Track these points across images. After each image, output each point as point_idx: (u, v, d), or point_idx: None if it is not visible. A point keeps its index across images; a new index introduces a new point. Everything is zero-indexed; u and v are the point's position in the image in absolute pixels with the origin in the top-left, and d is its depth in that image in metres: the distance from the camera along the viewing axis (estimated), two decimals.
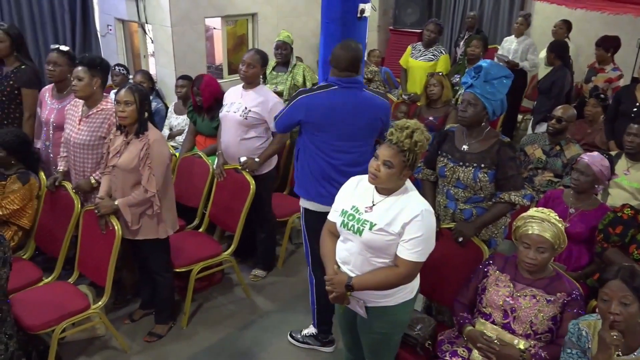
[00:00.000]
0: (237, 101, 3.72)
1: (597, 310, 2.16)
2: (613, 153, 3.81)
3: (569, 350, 2.21)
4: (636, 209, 2.99)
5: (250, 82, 3.71)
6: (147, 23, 5.59)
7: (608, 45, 5.55)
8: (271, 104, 3.67)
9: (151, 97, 4.81)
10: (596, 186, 3.22)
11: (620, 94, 4.49)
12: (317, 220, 2.90)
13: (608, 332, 2.02)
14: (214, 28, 6.58)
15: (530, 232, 2.41)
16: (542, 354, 2.32)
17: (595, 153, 3.25)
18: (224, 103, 3.83)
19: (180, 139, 4.67)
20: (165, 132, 4.80)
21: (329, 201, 2.54)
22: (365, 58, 5.26)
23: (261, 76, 3.76)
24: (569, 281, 2.45)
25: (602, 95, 4.75)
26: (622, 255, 2.88)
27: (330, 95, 2.92)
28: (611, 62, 5.57)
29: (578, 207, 3.18)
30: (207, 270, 3.62)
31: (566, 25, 6.22)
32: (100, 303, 3.11)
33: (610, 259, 2.91)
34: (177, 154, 4.31)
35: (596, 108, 4.69)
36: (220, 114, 3.83)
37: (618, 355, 2.06)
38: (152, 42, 5.74)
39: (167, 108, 5.00)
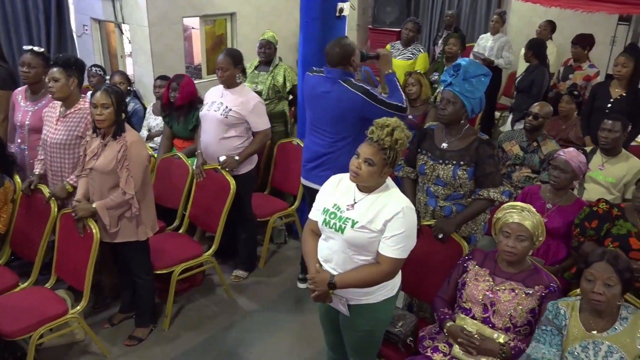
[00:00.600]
0: (218, 100, 3.70)
1: (578, 291, 2.24)
2: (588, 148, 3.88)
3: (543, 327, 2.26)
4: (611, 203, 3.04)
5: (230, 84, 3.69)
6: (124, 23, 5.52)
7: (585, 43, 5.65)
8: (252, 104, 3.67)
9: (129, 98, 4.78)
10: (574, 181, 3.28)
11: (595, 90, 4.57)
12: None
13: None
14: (193, 28, 6.52)
15: (510, 220, 2.45)
16: (522, 347, 2.35)
17: (572, 149, 3.30)
18: (204, 102, 3.82)
19: (158, 139, 4.63)
20: (144, 133, 4.75)
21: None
22: None
23: (240, 74, 3.71)
24: (547, 275, 2.49)
25: (575, 92, 4.84)
26: (598, 249, 2.92)
27: (317, 79, 3.33)
28: (587, 60, 5.66)
29: (555, 203, 3.22)
30: (188, 271, 3.59)
31: (550, 26, 6.32)
32: (78, 307, 3.07)
33: (587, 252, 2.95)
34: (156, 155, 4.27)
35: (570, 105, 4.78)
36: (201, 113, 3.82)
37: (594, 332, 2.15)
38: (130, 43, 5.68)
39: (145, 109, 4.95)
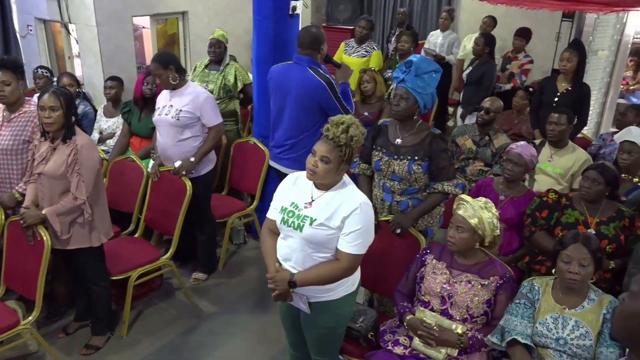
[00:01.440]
0: (167, 104, 3.65)
1: (553, 271, 2.41)
2: (537, 141, 4.01)
3: (517, 301, 2.40)
4: (560, 193, 3.16)
5: (171, 87, 3.64)
6: (70, 23, 5.35)
7: (528, 35, 6.01)
8: (202, 99, 3.62)
9: (78, 100, 4.63)
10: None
11: (543, 85, 4.72)
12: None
13: None
14: (143, 27, 6.38)
15: (457, 212, 2.50)
16: (479, 336, 2.42)
17: (523, 142, 3.40)
18: (156, 107, 3.75)
19: (111, 142, 4.52)
20: (95, 135, 4.63)
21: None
22: None
23: (175, 74, 3.59)
24: (501, 265, 2.56)
25: (530, 89, 5.00)
26: (549, 238, 3.03)
27: (282, 68, 3.50)
28: (523, 51, 5.99)
29: (508, 194, 3.32)
30: (146, 276, 3.52)
31: (493, 22, 6.50)
32: (30, 318, 2.96)
33: (538, 242, 3.06)
34: (108, 158, 4.17)
35: (524, 100, 4.95)
36: (153, 118, 3.76)
37: (565, 309, 2.32)
38: (77, 43, 5.50)
39: (95, 111, 4.81)
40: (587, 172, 3.02)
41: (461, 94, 5.64)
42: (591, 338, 2.25)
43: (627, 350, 1.34)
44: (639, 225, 2.94)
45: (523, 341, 2.29)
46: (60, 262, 3.28)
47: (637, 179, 3.54)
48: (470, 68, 5.56)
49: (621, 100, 7.08)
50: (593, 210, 3.00)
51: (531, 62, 5.93)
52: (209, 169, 3.84)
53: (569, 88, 4.45)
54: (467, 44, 6.51)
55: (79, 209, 2.92)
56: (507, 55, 6.13)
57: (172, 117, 3.59)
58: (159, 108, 3.70)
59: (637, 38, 7.75)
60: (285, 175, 3.40)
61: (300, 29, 3.50)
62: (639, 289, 1.26)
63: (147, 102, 4.17)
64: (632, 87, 7.77)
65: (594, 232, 2.87)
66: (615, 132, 4.28)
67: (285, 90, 3.47)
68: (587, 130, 5.71)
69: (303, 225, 2.23)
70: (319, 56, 3.43)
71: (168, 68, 3.56)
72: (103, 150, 4.30)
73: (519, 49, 6.01)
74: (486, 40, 5.55)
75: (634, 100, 7.18)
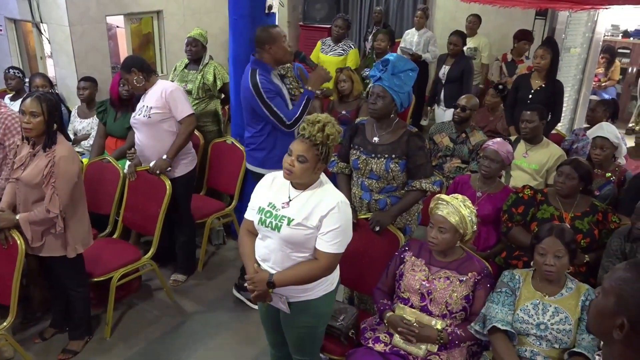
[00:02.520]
0: (141, 105, 3.63)
1: (531, 264, 2.49)
2: (513, 138, 4.07)
3: (498, 290, 2.46)
4: (535, 189, 3.21)
5: (142, 89, 3.62)
6: (42, 22, 5.24)
7: (530, 37, 6.06)
8: (168, 92, 3.57)
9: None
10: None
11: (517, 82, 4.79)
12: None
13: None
14: (117, 27, 6.29)
15: (436, 212, 2.52)
16: (458, 332, 2.45)
17: (499, 139, 3.44)
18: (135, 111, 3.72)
19: (86, 143, 4.44)
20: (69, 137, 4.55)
21: None
22: None
23: (140, 76, 3.57)
24: (479, 261, 2.59)
25: (500, 87, 5.06)
26: (525, 233, 3.08)
27: (246, 68, 3.38)
28: (527, 52, 6.02)
29: (485, 191, 3.36)
30: (125, 277, 3.47)
31: (479, 21, 6.55)
32: (5, 324, 2.89)
33: (515, 237, 3.11)
34: (85, 160, 4.10)
35: (495, 98, 5.00)
36: (131, 121, 3.73)
37: (545, 296, 2.41)
38: (49, 43, 5.40)
39: (69, 112, 4.73)
40: (561, 167, 3.07)
41: (442, 92, 5.62)
42: (571, 323, 2.32)
43: (602, 342, 1.37)
44: (612, 219, 3.00)
45: (503, 328, 2.33)
46: (34, 266, 3.21)
47: (609, 174, 3.62)
48: (446, 67, 5.58)
49: (593, 97, 7.21)
50: (568, 205, 3.05)
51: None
52: (189, 169, 3.80)
53: (543, 85, 4.52)
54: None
55: (51, 221, 2.85)
56: (509, 59, 6.15)
57: (144, 117, 3.56)
58: (135, 111, 3.67)
59: (607, 35, 7.91)
60: (254, 172, 3.49)
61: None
62: (609, 286, 1.28)
63: (123, 103, 4.11)
64: (604, 84, 7.91)
65: (565, 224, 2.92)
66: (587, 128, 4.37)
67: (239, 92, 3.52)
68: (561, 127, 5.80)
69: (281, 225, 2.23)
70: (266, 55, 3.28)
71: (131, 72, 3.52)
72: (78, 152, 4.22)
73: (522, 52, 6.04)
74: (463, 39, 5.60)
75: (606, 96, 7.32)
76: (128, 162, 3.81)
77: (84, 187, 3.76)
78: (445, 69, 5.57)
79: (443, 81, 5.59)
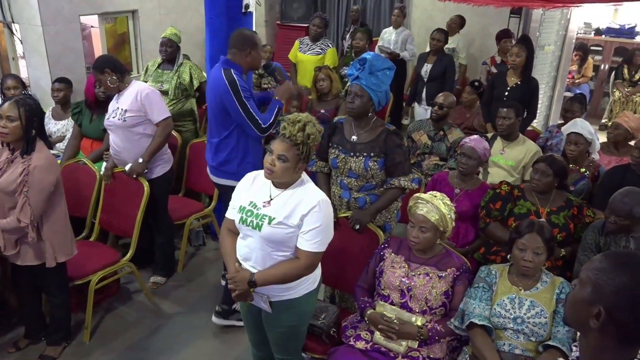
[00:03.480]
0: (115, 106, 3.58)
1: (508, 257, 2.54)
2: (489, 135, 4.12)
3: (476, 285, 2.51)
4: (512, 185, 3.26)
5: (117, 90, 3.57)
6: (13, 22, 5.14)
7: (509, 34, 6.10)
8: (144, 95, 3.52)
9: None
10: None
11: (494, 80, 4.85)
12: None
13: None
14: (92, 26, 6.20)
15: (416, 212, 2.54)
16: (438, 327, 2.47)
17: (476, 136, 3.49)
18: (107, 112, 3.66)
19: (61, 145, 4.37)
20: None
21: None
22: None
23: (114, 77, 3.52)
24: (458, 257, 2.62)
25: (476, 84, 5.11)
26: (502, 228, 3.12)
27: (214, 69, 3.26)
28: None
29: (463, 187, 3.39)
30: (104, 280, 3.43)
31: (460, 20, 6.60)
32: None
33: (493, 232, 3.15)
34: (59, 162, 4.03)
35: (471, 95, 5.06)
36: (105, 123, 3.67)
37: (521, 290, 2.45)
38: (22, 43, 5.30)
39: (43, 114, 4.63)
40: (537, 164, 3.12)
41: (423, 91, 5.63)
42: (546, 316, 2.37)
43: (578, 334, 1.39)
44: (586, 213, 3.06)
45: (480, 323, 2.37)
46: (8, 270, 3.14)
47: (584, 169, 3.69)
48: (428, 65, 5.60)
49: (568, 94, 7.34)
50: (544, 201, 3.10)
51: None
52: (165, 169, 3.76)
53: (519, 82, 4.59)
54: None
55: (22, 231, 2.78)
56: (496, 60, 6.19)
57: (119, 119, 3.52)
58: (109, 113, 3.62)
59: (580, 33, 8.06)
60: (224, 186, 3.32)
61: (249, 28, 3.40)
62: (585, 277, 1.31)
63: (100, 105, 4.05)
64: (577, 81, 8.06)
65: (544, 221, 2.97)
66: (562, 124, 4.44)
67: (208, 95, 3.33)
68: (536, 123, 5.90)
69: (262, 224, 2.22)
70: (243, 59, 3.18)
71: (104, 72, 3.46)
72: (53, 154, 4.15)
73: (506, 50, 5.88)
74: (445, 36, 5.65)
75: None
76: (104, 164, 3.76)
77: None
78: (427, 67, 5.58)
79: (425, 79, 5.60)
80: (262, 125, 3.14)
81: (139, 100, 3.50)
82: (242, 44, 3.17)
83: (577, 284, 1.35)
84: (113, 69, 3.49)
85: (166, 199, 3.89)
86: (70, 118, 4.30)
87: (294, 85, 3.46)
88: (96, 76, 3.53)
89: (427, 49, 6.35)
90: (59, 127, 4.47)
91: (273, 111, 3.24)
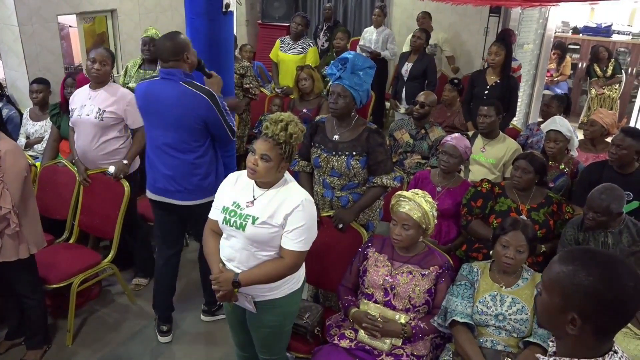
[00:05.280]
0: (87, 103, 3.50)
1: (491, 253, 2.56)
2: (470, 133, 4.16)
3: (458, 283, 2.53)
4: (493, 182, 3.29)
5: (102, 81, 3.51)
6: None
7: (514, 38, 6.06)
8: (128, 99, 3.49)
9: (1, 104, 4.40)
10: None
11: (473, 79, 4.89)
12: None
13: None
14: (70, 26, 6.12)
15: (399, 209, 2.55)
16: (421, 325, 2.49)
17: (457, 134, 3.52)
18: (71, 107, 3.57)
19: (39, 147, 4.31)
20: (22, 141, 4.40)
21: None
22: (237, 53, 5.21)
23: (110, 70, 3.56)
24: (440, 255, 2.64)
25: (455, 81, 5.15)
26: (484, 225, 3.15)
27: (150, 84, 2.97)
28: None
29: (444, 185, 3.42)
30: (85, 283, 3.39)
31: (429, 17, 6.64)
32: None
33: (475, 230, 3.18)
34: (38, 164, 3.97)
35: (452, 93, 5.09)
36: (71, 120, 3.58)
37: (503, 287, 2.48)
38: None
39: (21, 115, 4.58)
40: (517, 161, 3.16)
41: (404, 90, 5.64)
42: (527, 312, 2.40)
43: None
44: (566, 209, 3.11)
45: (462, 320, 2.39)
46: None
47: (563, 166, 3.74)
48: (409, 64, 5.61)
49: (547, 92, 7.44)
50: (524, 198, 3.14)
51: (520, 66, 5.77)
52: (133, 169, 3.71)
53: (498, 81, 4.64)
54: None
55: (5, 219, 2.74)
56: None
57: (95, 118, 3.46)
58: (76, 108, 3.52)
59: (558, 32, 8.18)
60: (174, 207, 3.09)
61: (159, 38, 3.08)
62: (548, 282, 1.31)
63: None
64: (556, 79, 8.18)
65: (525, 218, 3.00)
66: (541, 122, 4.50)
67: (155, 114, 2.94)
68: (516, 121, 5.97)
69: (245, 224, 2.22)
70: (186, 67, 2.93)
71: (112, 65, 3.55)
72: (31, 156, 4.09)
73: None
74: (427, 35, 5.67)
75: (558, 91, 7.57)
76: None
77: (38, 191, 3.67)
78: (407, 67, 5.58)
79: (405, 78, 5.62)
80: (233, 128, 3.02)
81: (122, 105, 3.48)
82: (178, 51, 2.88)
83: (542, 289, 1.34)
84: (112, 62, 3.53)
85: (134, 199, 3.78)
86: (48, 119, 4.24)
87: (218, 77, 3.18)
88: (105, 59, 3.45)
89: (405, 49, 6.38)
90: (37, 128, 4.40)
91: (228, 110, 3.01)
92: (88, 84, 3.58)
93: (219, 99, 2.92)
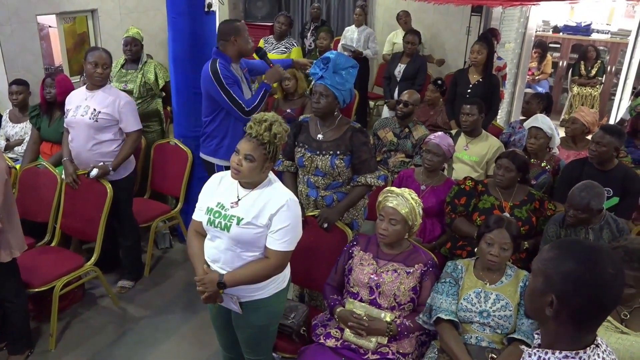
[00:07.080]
0: (83, 104, 3.47)
1: (475, 250, 2.60)
2: (454, 131, 4.19)
3: (443, 280, 2.55)
4: (476, 180, 3.32)
5: (102, 84, 3.50)
6: None
7: (499, 37, 6.10)
8: (123, 102, 3.49)
9: None
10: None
11: (456, 77, 4.93)
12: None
13: None
14: (50, 26, 6.04)
15: (386, 204, 2.56)
16: (407, 323, 2.50)
17: (440, 133, 3.54)
18: (67, 108, 3.54)
19: (19, 149, 4.24)
20: (1, 143, 4.33)
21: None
22: None
23: (108, 72, 3.55)
24: (425, 252, 2.66)
25: (439, 82, 5.19)
26: (468, 223, 3.18)
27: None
28: (495, 52, 6.06)
29: (428, 184, 3.44)
30: (68, 286, 3.35)
31: (409, 16, 6.66)
32: None
33: (459, 227, 3.20)
34: (18, 166, 3.91)
35: (435, 93, 5.13)
36: (66, 120, 3.55)
37: (487, 284, 2.50)
38: None
39: (0, 117, 4.50)
40: (500, 160, 3.19)
41: (396, 90, 5.64)
42: (511, 309, 2.42)
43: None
44: (548, 206, 3.15)
45: (447, 317, 2.41)
46: None
47: (544, 163, 3.79)
48: (402, 65, 5.62)
49: (528, 90, 7.52)
50: (507, 195, 3.18)
51: (505, 65, 5.76)
52: (128, 171, 3.69)
53: (480, 79, 4.68)
54: (395, 39, 6.54)
55: None
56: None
57: (90, 119, 3.43)
58: (71, 109, 3.50)
59: (539, 31, 8.27)
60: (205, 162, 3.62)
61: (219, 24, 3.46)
62: (536, 268, 1.35)
63: (52, 107, 3.94)
64: (537, 77, 8.27)
65: (508, 215, 3.04)
66: (524, 120, 4.55)
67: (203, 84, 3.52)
68: (499, 119, 6.02)
69: (230, 225, 2.21)
70: (230, 47, 3.39)
71: (111, 66, 3.58)
72: (11, 158, 4.03)
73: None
74: (419, 37, 5.69)
75: (540, 89, 7.65)
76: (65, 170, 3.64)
77: (19, 194, 3.62)
78: (401, 68, 5.58)
79: (398, 79, 5.62)
80: (247, 109, 3.36)
81: (117, 107, 3.47)
82: (226, 33, 3.36)
83: (531, 275, 1.40)
84: (111, 64, 3.56)
85: (130, 201, 3.82)
86: (28, 121, 4.18)
87: (281, 69, 3.67)
88: (108, 62, 3.49)
89: (387, 48, 6.40)
90: (17, 130, 4.34)
91: (259, 94, 3.46)
92: (85, 85, 3.56)
93: (225, 77, 3.29)
